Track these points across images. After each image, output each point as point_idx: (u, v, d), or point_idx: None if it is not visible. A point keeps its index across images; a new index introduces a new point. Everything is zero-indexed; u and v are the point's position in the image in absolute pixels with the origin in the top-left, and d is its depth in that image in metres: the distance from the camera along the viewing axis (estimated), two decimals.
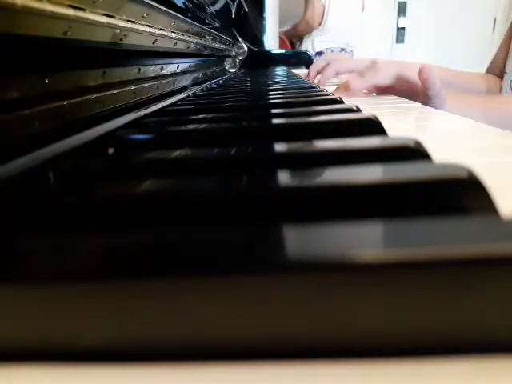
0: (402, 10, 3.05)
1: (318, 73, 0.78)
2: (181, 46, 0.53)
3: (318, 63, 0.81)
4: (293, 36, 2.37)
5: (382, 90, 0.59)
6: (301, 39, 2.36)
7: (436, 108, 0.53)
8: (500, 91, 0.91)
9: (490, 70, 0.99)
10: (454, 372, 0.09)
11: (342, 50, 2.16)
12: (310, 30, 2.25)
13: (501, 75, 0.94)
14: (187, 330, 0.10)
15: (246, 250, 0.10)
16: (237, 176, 0.17)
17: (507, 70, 0.90)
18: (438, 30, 3.02)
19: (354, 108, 0.31)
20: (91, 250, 0.11)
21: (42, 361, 0.10)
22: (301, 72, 1.09)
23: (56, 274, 0.10)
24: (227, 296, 0.09)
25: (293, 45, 2.38)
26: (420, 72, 0.53)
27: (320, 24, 2.20)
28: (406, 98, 0.56)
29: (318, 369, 0.09)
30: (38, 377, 0.10)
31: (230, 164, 0.19)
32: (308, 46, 2.25)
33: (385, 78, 0.57)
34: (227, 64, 1.15)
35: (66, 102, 0.24)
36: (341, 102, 0.37)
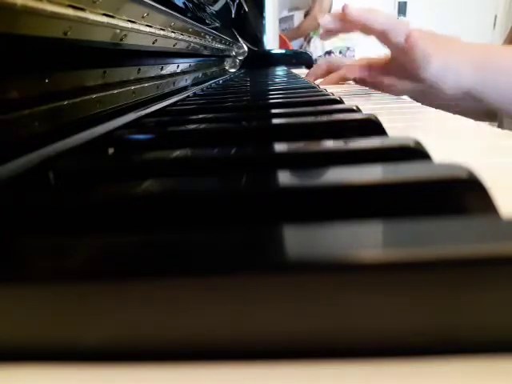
0: (402, 9, 3.05)
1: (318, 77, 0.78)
2: (181, 46, 0.53)
3: (317, 68, 0.80)
4: (297, 35, 2.36)
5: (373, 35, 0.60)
6: (309, 39, 2.36)
7: (420, 69, 0.53)
8: None
9: None
10: (454, 372, 0.09)
11: (348, 48, 2.16)
12: (317, 26, 2.25)
13: None
14: (187, 330, 0.10)
15: (245, 249, 0.10)
16: (237, 176, 0.17)
17: None
18: (438, 28, 3.01)
19: (354, 108, 0.31)
20: (91, 250, 0.11)
21: (41, 361, 0.10)
22: (301, 72, 1.09)
23: (56, 274, 0.10)
24: (227, 296, 0.09)
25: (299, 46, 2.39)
26: (406, 39, 0.53)
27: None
28: (394, 54, 0.58)
29: (318, 369, 0.09)
30: (38, 377, 0.10)
31: (230, 164, 0.19)
32: (317, 45, 2.25)
33: (374, 24, 0.57)
34: (227, 64, 1.15)
35: (65, 102, 0.24)
36: (341, 102, 0.37)
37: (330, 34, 0.63)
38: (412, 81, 0.58)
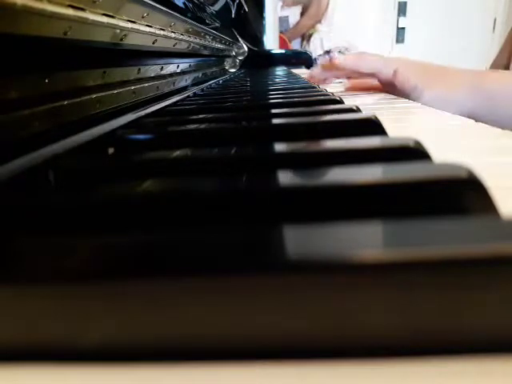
0: (402, 9, 3.05)
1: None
2: (181, 46, 0.53)
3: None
4: (295, 35, 2.37)
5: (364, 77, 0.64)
6: (308, 39, 2.36)
7: (415, 99, 0.55)
8: None
9: (494, 68, 0.99)
10: (454, 372, 0.09)
11: (346, 49, 2.16)
12: (314, 23, 2.25)
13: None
14: (187, 330, 0.10)
15: (245, 250, 0.10)
16: (237, 176, 0.17)
17: None
18: (437, 30, 3.02)
19: (354, 108, 0.31)
20: (91, 250, 0.11)
21: (42, 361, 0.10)
22: (301, 72, 1.09)
23: (56, 274, 0.10)
24: (227, 296, 0.09)
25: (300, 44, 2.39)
26: (393, 75, 0.57)
27: (322, 19, 2.21)
28: (386, 89, 0.61)
29: (318, 369, 0.09)
30: (38, 377, 0.10)
31: (230, 164, 0.19)
32: (317, 45, 2.25)
33: (363, 67, 0.62)
34: (227, 64, 1.15)
35: (66, 102, 0.24)
36: (341, 102, 0.37)
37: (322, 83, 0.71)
38: None
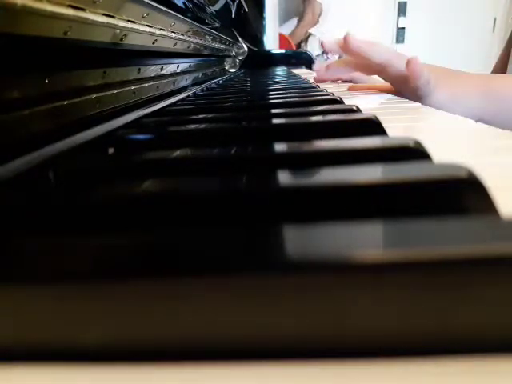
0: (402, 9, 3.05)
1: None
2: (181, 46, 0.53)
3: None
4: (293, 41, 2.38)
5: (372, 71, 0.60)
6: (306, 40, 2.37)
7: (423, 99, 0.53)
8: None
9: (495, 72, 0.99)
10: (454, 372, 0.09)
11: None
12: (309, 28, 2.26)
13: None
14: (187, 330, 0.10)
15: (246, 250, 0.10)
16: (237, 176, 0.17)
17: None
18: (437, 30, 3.02)
19: (354, 108, 0.32)
20: (91, 250, 0.11)
21: (42, 361, 0.10)
22: (301, 72, 1.09)
23: (56, 273, 0.10)
24: (227, 296, 0.09)
25: (297, 46, 2.40)
26: (408, 63, 0.52)
27: (317, 22, 2.22)
28: (395, 85, 0.57)
29: (318, 369, 0.09)
30: (37, 377, 0.10)
31: (231, 164, 0.19)
32: (315, 46, 2.25)
33: (374, 56, 0.57)
34: (227, 64, 1.15)
35: (66, 102, 0.24)
36: (341, 102, 0.37)
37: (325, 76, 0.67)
38: None
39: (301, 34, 2.39)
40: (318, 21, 2.32)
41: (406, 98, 0.57)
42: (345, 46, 0.58)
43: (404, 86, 0.55)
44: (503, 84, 0.56)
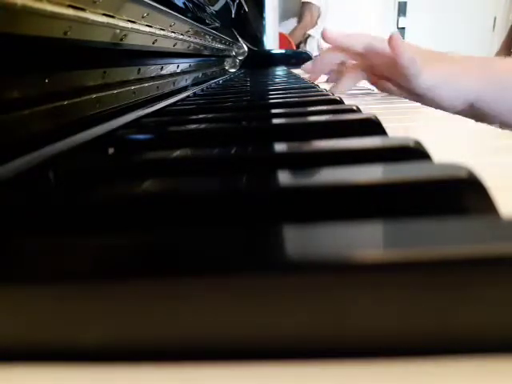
0: (402, 10, 3.05)
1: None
2: (181, 46, 0.53)
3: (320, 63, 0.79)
4: (294, 40, 2.38)
5: (361, 62, 0.59)
6: (305, 40, 2.37)
7: (412, 79, 0.52)
8: None
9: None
10: (454, 372, 0.09)
11: None
12: (308, 30, 2.26)
13: None
14: (187, 330, 0.10)
15: (245, 250, 0.10)
16: (237, 176, 0.17)
17: None
18: (438, 29, 3.02)
19: (354, 108, 0.32)
20: (91, 251, 0.11)
21: (41, 361, 0.10)
22: (301, 72, 1.09)
23: (56, 273, 0.10)
24: (227, 296, 0.09)
25: (297, 46, 2.40)
26: (389, 41, 0.51)
27: (316, 24, 2.22)
28: (385, 72, 0.56)
29: (318, 369, 0.09)
30: (37, 377, 0.10)
31: (230, 164, 0.19)
32: (314, 46, 2.25)
33: (354, 44, 0.57)
34: (227, 64, 1.15)
35: (66, 102, 0.24)
36: (341, 102, 0.37)
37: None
38: (409, 94, 0.56)
39: (299, 35, 2.40)
40: (316, 23, 2.33)
41: (399, 85, 0.56)
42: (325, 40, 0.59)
43: (394, 70, 0.54)
44: (503, 65, 0.54)
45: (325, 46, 0.65)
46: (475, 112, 0.53)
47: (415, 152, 0.17)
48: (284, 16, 2.51)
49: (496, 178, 0.15)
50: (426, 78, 0.52)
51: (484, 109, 0.53)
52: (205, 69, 0.80)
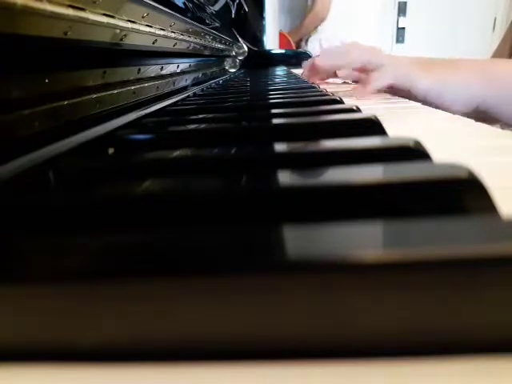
0: (402, 9, 3.05)
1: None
2: (181, 46, 0.53)
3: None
4: (300, 35, 2.35)
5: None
6: (306, 39, 2.35)
7: (410, 89, 0.52)
8: None
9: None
10: (454, 372, 0.09)
11: None
12: (318, 22, 2.23)
13: None
14: (187, 330, 0.10)
15: (246, 249, 0.10)
16: (237, 176, 0.17)
17: None
18: (437, 29, 3.02)
19: (354, 108, 0.31)
20: (91, 250, 0.11)
21: (41, 361, 0.10)
22: (301, 72, 1.09)
23: (56, 274, 0.10)
24: (227, 296, 0.09)
25: (297, 45, 2.38)
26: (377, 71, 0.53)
27: (326, 16, 2.20)
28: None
29: (318, 369, 0.09)
30: (38, 377, 0.10)
31: (230, 164, 0.19)
32: (315, 46, 2.24)
33: (351, 63, 0.58)
34: (227, 64, 1.15)
35: (66, 102, 0.24)
36: (341, 102, 0.37)
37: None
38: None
39: (308, 25, 2.34)
40: (327, 14, 2.28)
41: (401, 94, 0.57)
42: (316, 68, 0.61)
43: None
44: (505, 67, 0.54)
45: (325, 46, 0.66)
46: (479, 115, 0.53)
47: (415, 152, 0.17)
48: (292, 11, 2.49)
49: (496, 178, 0.15)
50: (423, 84, 0.53)
51: (488, 112, 0.53)
52: (205, 69, 0.80)
